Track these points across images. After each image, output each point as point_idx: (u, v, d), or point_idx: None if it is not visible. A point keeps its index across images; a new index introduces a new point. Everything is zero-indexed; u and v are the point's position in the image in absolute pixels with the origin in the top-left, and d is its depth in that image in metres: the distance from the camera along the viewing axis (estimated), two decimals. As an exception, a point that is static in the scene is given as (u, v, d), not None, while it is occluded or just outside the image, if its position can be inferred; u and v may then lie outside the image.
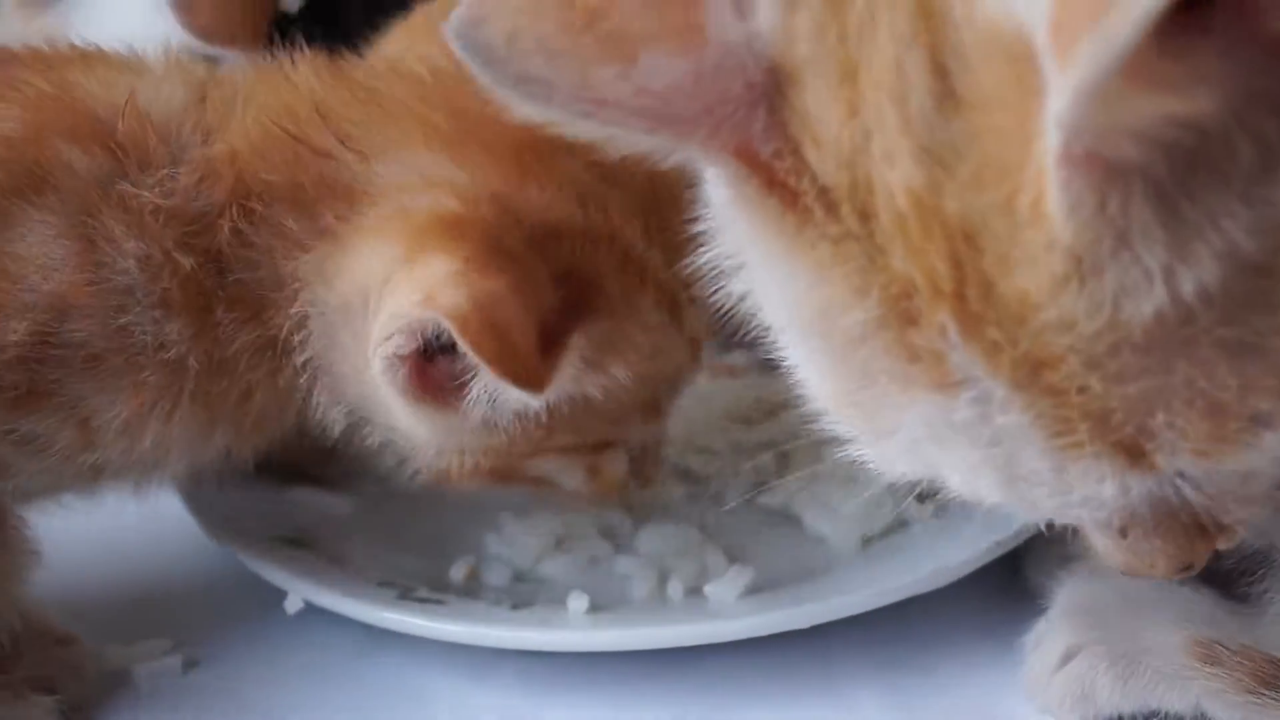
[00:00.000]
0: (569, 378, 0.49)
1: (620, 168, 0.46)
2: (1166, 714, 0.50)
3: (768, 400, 0.70)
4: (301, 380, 0.53)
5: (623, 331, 0.52)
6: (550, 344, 0.49)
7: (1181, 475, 0.37)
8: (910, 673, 0.56)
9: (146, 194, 0.50)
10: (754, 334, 0.43)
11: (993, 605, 0.58)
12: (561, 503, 0.62)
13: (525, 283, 0.49)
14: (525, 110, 0.39)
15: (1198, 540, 0.42)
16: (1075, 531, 0.45)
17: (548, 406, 0.49)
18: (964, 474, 0.39)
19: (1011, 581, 0.58)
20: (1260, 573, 0.51)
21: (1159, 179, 0.31)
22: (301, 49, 0.55)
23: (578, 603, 0.57)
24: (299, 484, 0.66)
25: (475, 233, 0.49)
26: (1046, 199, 0.32)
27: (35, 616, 0.55)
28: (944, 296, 0.35)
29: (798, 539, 0.63)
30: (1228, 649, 0.49)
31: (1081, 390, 0.34)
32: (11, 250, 0.49)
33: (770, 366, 0.44)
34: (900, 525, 0.61)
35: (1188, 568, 0.43)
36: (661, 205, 0.52)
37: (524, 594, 0.60)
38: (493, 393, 0.49)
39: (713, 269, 0.43)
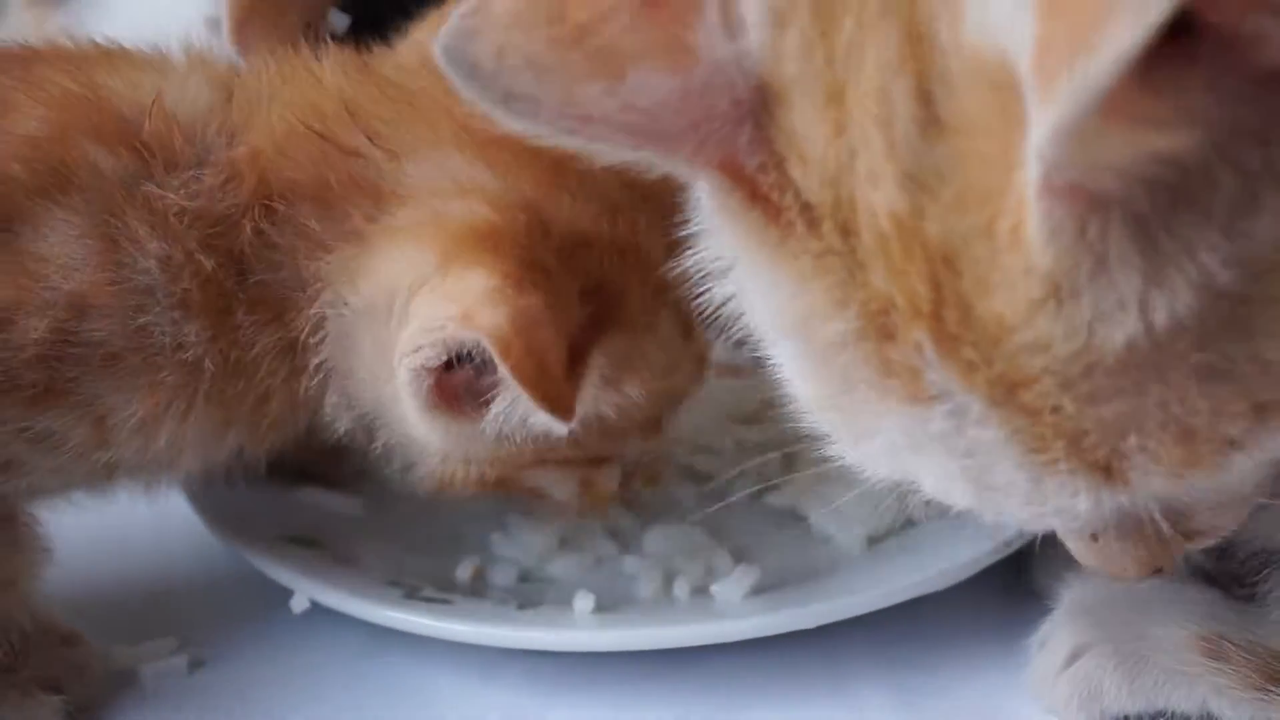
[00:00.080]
0: (589, 398, 0.49)
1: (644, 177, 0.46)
2: (1173, 714, 0.50)
3: (772, 400, 0.69)
4: (314, 382, 0.53)
5: (640, 348, 0.52)
6: (573, 361, 0.48)
7: (1154, 493, 0.37)
8: (917, 672, 0.56)
9: (171, 195, 0.50)
10: (741, 334, 0.43)
11: (999, 605, 0.58)
12: (548, 512, 0.62)
13: (557, 300, 0.48)
14: (511, 125, 0.39)
15: (1168, 544, 0.42)
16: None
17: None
18: (939, 480, 0.39)
19: (1017, 581, 0.58)
20: (1266, 572, 0.51)
21: (1139, 210, 0.32)
22: (327, 45, 0.55)
23: (584, 602, 0.57)
24: (308, 484, 0.66)
25: (511, 246, 0.49)
26: (1026, 225, 0.32)
27: (42, 616, 0.55)
28: (922, 316, 0.35)
29: (804, 539, 0.63)
30: (1234, 645, 0.49)
31: (1055, 410, 0.35)
32: (34, 249, 0.49)
33: (761, 366, 0.44)
34: (906, 525, 0.61)
35: (1157, 570, 0.43)
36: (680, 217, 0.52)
37: (530, 594, 0.60)
38: (523, 414, 0.49)
39: (701, 270, 0.43)
